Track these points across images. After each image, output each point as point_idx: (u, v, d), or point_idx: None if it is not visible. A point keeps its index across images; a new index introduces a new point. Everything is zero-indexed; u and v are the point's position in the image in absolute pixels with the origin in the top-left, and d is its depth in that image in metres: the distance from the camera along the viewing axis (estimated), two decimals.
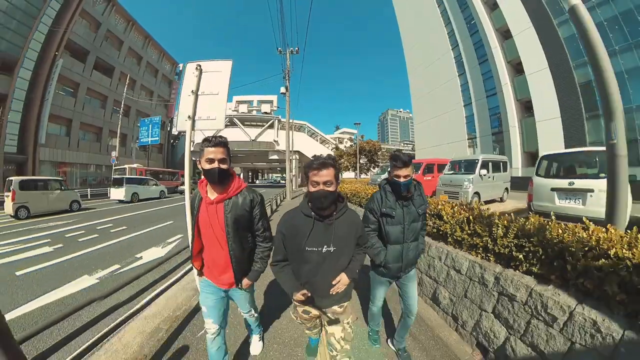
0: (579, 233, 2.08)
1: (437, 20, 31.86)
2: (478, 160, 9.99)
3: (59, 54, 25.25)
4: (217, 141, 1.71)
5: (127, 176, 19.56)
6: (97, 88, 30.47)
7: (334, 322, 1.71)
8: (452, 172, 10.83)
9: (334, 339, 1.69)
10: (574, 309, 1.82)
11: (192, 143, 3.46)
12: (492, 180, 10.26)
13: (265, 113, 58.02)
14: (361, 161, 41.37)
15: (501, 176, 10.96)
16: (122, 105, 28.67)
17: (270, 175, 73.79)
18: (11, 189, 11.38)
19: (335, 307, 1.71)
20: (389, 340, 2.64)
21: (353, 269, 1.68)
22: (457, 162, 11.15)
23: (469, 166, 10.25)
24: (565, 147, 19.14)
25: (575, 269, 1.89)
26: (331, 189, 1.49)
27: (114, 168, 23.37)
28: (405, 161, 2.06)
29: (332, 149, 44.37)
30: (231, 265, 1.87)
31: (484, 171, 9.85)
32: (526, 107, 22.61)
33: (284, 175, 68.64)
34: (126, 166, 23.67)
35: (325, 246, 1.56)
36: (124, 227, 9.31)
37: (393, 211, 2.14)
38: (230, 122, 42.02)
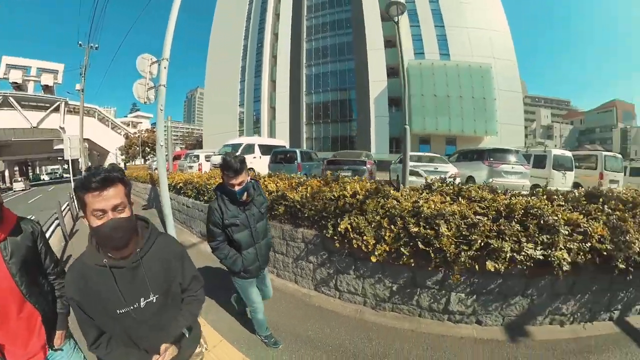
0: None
1: (240, 31, 38.85)
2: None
3: None
4: None
5: None
6: None
7: None
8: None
9: None
10: None
11: None
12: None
13: (47, 87, 47.48)
14: (147, 149, 43.45)
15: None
16: None
17: (44, 168, 58.47)
18: None
19: None
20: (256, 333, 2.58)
21: (179, 326, 1.23)
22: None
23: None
24: (290, 142, 29.35)
25: None
26: (125, 214, 1.03)
27: None
28: (237, 169, 1.94)
29: (123, 135, 42.89)
30: (40, 324, 1.33)
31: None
32: (275, 113, 32.64)
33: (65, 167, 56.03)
34: None
35: (142, 299, 1.10)
36: None
37: (237, 219, 2.07)
38: (4, 102, 31.42)
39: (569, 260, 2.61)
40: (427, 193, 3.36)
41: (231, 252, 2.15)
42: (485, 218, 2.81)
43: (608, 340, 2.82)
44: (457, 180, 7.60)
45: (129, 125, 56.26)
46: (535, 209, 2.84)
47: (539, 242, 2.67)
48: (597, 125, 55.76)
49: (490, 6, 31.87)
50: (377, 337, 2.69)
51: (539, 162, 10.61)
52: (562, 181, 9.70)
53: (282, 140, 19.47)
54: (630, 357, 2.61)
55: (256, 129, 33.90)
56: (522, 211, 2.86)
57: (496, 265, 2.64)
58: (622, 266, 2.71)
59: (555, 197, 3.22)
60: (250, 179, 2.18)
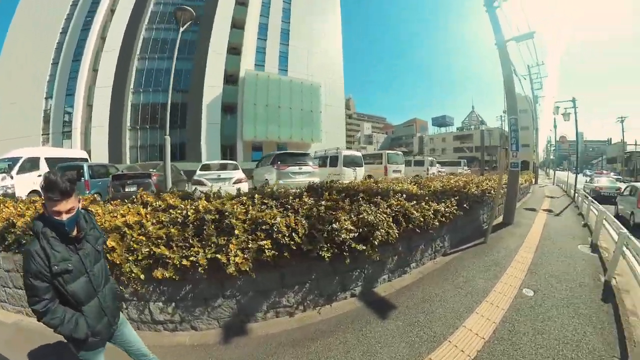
0: None
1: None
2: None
3: None
4: None
5: None
6: None
7: None
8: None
9: None
10: None
11: None
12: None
13: None
14: None
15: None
16: None
17: None
18: None
19: None
20: None
21: None
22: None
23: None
24: (109, 152, 26.51)
25: None
26: None
27: None
28: (64, 190, 1.45)
29: None
30: None
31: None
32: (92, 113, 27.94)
33: None
34: None
35: None
36: None
37: (68, 263, 1.53)
38: None
39: (240, 259, 2.62)
40: (127, 207, 3.19)
41: (67, 313, 1.54)
42: (159, 226, 2.83)
43: (345, 318, 2.78)
44: (243, 185, 8.69)
45: None
46: (214, 214, 2.84)
47: (214, 244, 2.71)
48: (404, 135, 78.11)
49: (332, 35, 38.13)
50: None
51: (334, 161, 12.48)
52: (354, 175, 11.11)
53: (81, 151, 16.47)
54: (369, 328, 2.58)
55: (66, 132, 27.94)
56: (194, 216, 2.86)
57: (165, 273, 2.61)
58: (327, 254, 2.79)
59: (257, 196, 3.25)
60: (81, 207, 1.69)
